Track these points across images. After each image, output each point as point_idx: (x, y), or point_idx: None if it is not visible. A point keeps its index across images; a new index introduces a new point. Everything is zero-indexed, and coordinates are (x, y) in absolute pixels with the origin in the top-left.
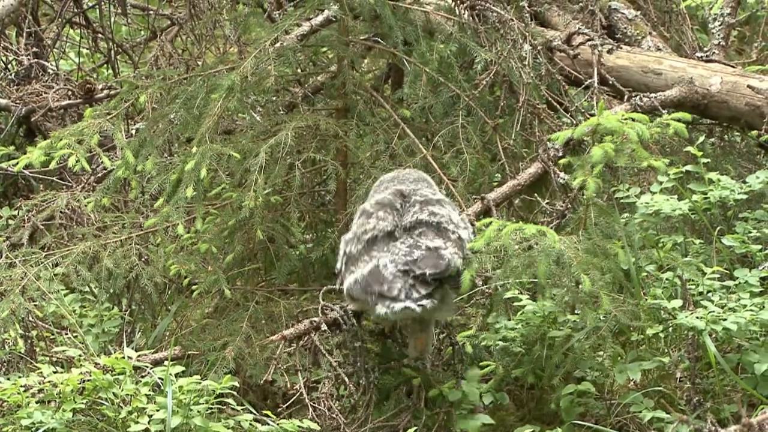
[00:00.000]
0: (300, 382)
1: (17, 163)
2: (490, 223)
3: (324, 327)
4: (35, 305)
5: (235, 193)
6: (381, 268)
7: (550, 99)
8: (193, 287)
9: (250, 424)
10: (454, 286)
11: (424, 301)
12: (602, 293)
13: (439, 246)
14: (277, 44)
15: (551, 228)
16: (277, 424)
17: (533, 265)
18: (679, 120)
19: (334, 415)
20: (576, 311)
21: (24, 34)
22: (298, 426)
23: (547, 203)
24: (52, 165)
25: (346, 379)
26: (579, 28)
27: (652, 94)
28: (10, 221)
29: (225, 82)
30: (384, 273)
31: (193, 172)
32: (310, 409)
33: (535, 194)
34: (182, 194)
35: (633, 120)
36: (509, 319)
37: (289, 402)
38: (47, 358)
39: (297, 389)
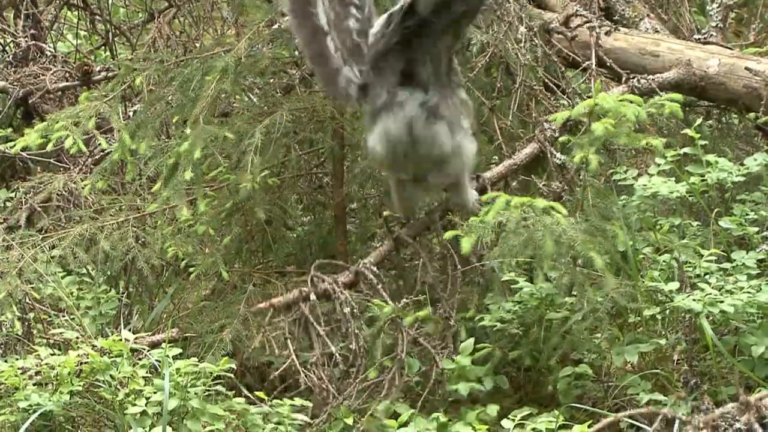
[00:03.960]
0: (291, 353)
1: (14, 145)
2: (497, 197)
3: (313, 297)
4: (32, 287)
5: (232, 175)
6: None
7: (547, 81)
8: (191, 269)
9: (243, 408)
10: None
11: None
12: (608, 272)
13: None
14: (274, 26)
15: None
16: (270, 406)
17: (532, 244)
18: (672, 100)
19: (324, 386)
20: (573, 293)
21: (22, 16)
22: (291, 405)
23: (543, 185)
24: (49, 147)
25: (333, 350)
26: (577, 10)
27: (650, 76)
28: (8, 203)
29: (219, 63)
30: None
31: (188, 154)
32: (303, 377)
33: (532, 175)
34: (180, 177)
35: (630, 102)
36: (506, 301)
37: (285, 383)
38: (44, 340)
39: (287, 357)
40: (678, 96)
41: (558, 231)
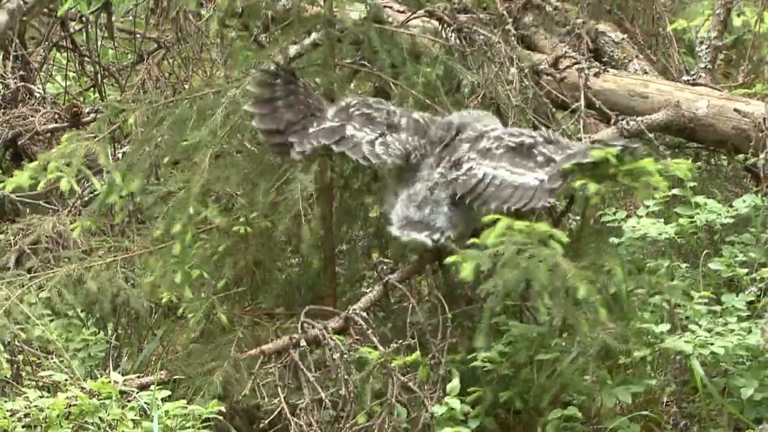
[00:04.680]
0: (281, 399)
1: (4, 186)
2: (497, 220)
3: (303, 343)
4: (20, 328)
5: (222, 218)
6: None
7: (536, 122)
8: (180, 311)
9: None
10: None
11: None
12: (599, 307)
13: None
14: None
15: None
16: None
17: (526, 273)
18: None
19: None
20: (565, 332)
21: (11, 58)
22: None
23: None
24: (40, 187)
25: (323, 395)
26: (566, 52)
27: (639, 118)
28: None
29: (203, 133)
30: None
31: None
32: (293, 425)
33: (522, 219)
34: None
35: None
36: (494, 343)
37: (275, 428)
38: (33, 383)
39: (277, 404)
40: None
41: (553, 261)
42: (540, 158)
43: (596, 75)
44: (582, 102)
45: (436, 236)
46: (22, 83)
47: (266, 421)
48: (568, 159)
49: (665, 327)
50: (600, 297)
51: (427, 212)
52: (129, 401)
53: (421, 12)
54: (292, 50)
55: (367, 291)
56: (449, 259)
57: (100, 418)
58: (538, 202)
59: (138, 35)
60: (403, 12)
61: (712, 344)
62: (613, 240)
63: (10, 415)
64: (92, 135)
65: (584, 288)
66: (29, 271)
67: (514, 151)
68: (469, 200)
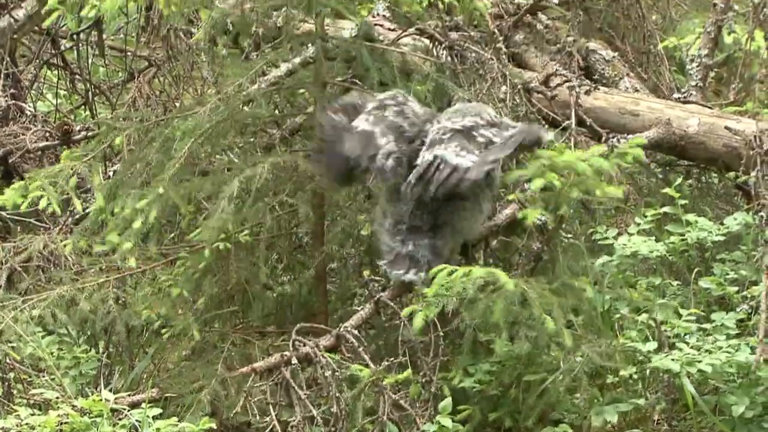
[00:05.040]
0: (272, 416)
1: None
2: (442, 269)
3: (294, 361)
4: (12, 347)
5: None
6: None
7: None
8: (163, 330)
9: None
10: None
11: None
12: (565, 332)
13: None
14: (254, 86)
15: (528, 269)
16: None
17: (492, 308)
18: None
19: None
20: (552, 352)
21: (2, 76)
22: None
23: (523, 245)
24: (24, 207)
25: (315, 413)
26: (557, 69)
27: (630, 136)
28: None
29: (183, 127)
30: None
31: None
32: None
33: (512, 236)
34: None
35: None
36: (475, 362)
37: None
38: (25, 401)
39: (269, 422)
40: (641, 140)
41: (516, 294)
42: (480, 140)
43: (587, 93)
44: (573, 120)
45: (422, 274)
46: (13, 101)
47: None
48: (505, 143)
49: (653, 345)
50: (577, 323)
51: (411, 247)
52: (120, 419)
53: (411, 30)
54: (283, 68)
55: (359, 309)
56: (406, 311)
57: None
58: (472, 176)
59: (129, 53)
60: (393, 30)
61: (699, 362)
62: (603, 258)
63: None
64: (84, 154)
65: (551, 321)
66: (21, 291)
67: (459, 133)
68: (421, 187)
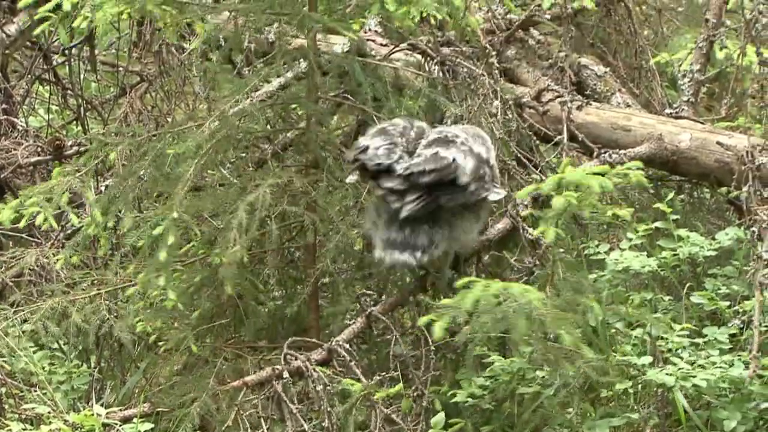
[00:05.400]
0: (264, 430)
1: None
2: (471, 281)
3: (286, 375)
4: (4, 361)
5: (204, 249)
6: None
7: (519, 155)
8: (160, 343)
9: None
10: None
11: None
12: (583, 346)
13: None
14: (247, 101)
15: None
16: None
17: (504, 321)
18: (637, 168)
19: None
20: (546, 367)
21: None
22: None
23: (515, 260)
24: (22, 223)
25: (306, 427)
26: (548, 85)
27: (622, 151)
28: None
29: (185, 147)
30: None
31: (163, 238)
32: None
33: (504, 251)
34: (157, 257)
35: (596, 174)
36: (478, 376)
37: None
38: (16, 415)
39: None
40: (639, 163)
41: (530, 308)
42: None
43: (579, 108)
44: (565, 135)
45: (418, 254)
46: (5, 116)
47: None
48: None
49: (647, 360)
50: (574, 336)
51: (407, 233)
52: None
53: (404, 45)
54: (276, 83)
55: (350, 323)
56: (422, 319)
57: None
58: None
59: (121, 68)
60: (386, 45)
61: (694, 377)
62: (595, 273)
63: None
64: (77, 169)
65: (567, 335)
66: (12, 304)
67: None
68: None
